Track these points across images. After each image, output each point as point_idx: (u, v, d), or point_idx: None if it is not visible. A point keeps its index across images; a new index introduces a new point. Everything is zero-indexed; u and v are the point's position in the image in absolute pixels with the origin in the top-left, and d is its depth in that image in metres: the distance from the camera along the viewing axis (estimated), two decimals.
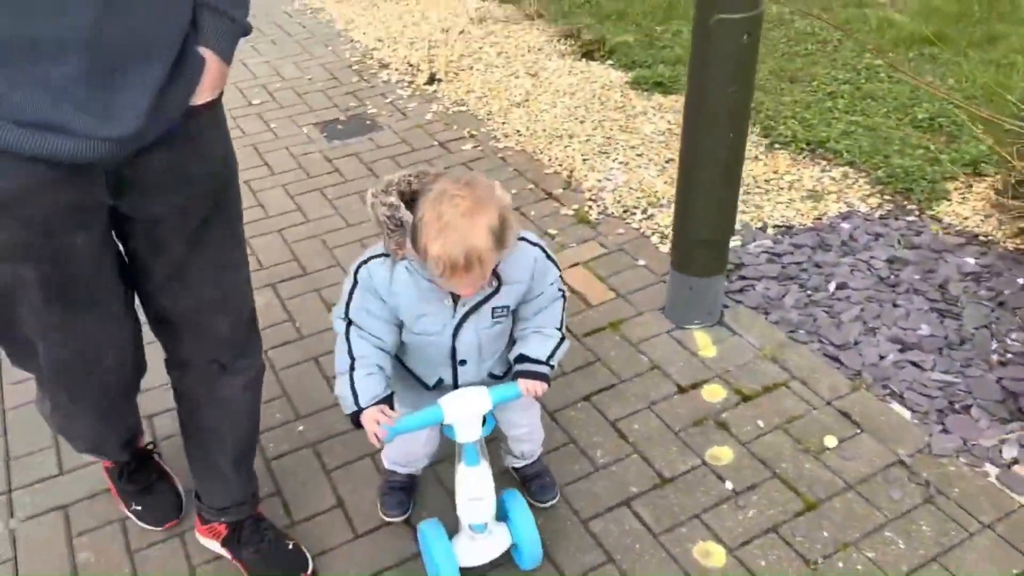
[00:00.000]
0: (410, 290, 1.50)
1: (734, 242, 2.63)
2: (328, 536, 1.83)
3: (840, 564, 1.70)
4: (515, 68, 3.99)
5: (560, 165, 3.20)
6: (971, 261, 2.48)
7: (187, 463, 1.73)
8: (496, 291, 1.53)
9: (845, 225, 2.69)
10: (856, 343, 2.23)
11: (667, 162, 3.15)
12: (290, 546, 1.74)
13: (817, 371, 2.16)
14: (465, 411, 1.53)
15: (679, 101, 3.52)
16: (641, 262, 2.61)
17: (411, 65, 4.12)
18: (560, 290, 1.63)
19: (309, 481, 1.96)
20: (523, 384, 1.57)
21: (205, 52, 1.28)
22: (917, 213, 2.75)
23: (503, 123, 3.53)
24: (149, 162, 1.28)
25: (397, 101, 3.78)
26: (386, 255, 1.51)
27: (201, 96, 1.29)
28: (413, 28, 4.54)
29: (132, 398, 1.67)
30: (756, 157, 3.12)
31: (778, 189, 2.94)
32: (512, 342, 1.65)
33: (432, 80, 3.95)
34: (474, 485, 1.60)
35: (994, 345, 2.18)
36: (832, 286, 2.43)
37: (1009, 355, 2.15)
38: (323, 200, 3.04)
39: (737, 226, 2.67)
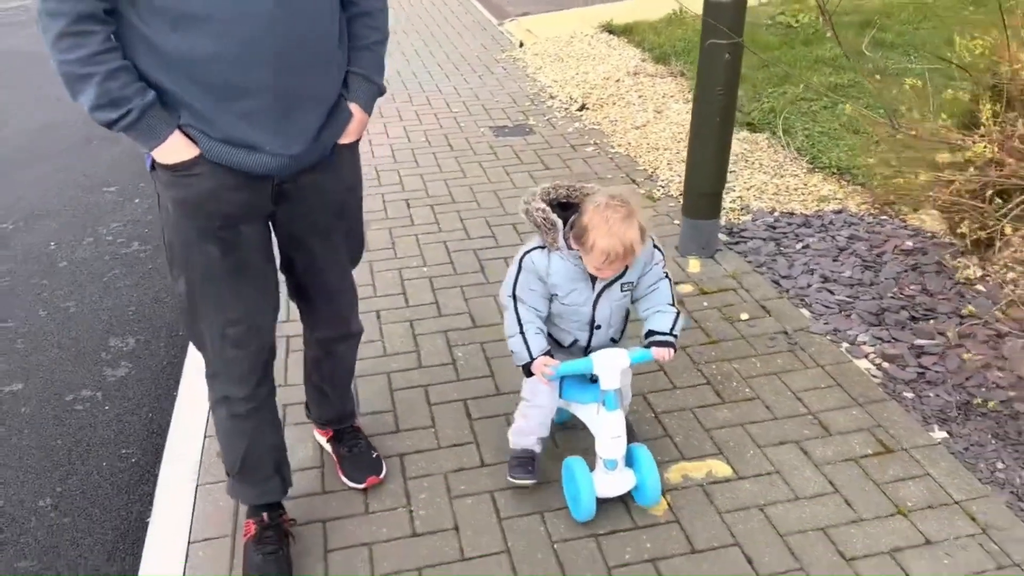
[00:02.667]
0: (562, 272, 2.01)
1: (745, 217, 3.68)
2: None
3: (719, 374, 2.73)
4: (647, 106, 5.23)
5: (649, 165, 4.39)
6: (909, 243, 3.36)
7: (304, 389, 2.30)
8: (624, 272, 2.04)
9: (832, 216, 3.64)
10: (795, 277, 3.21)
11: (731, 172, 4.23)
12: (374, 455, 2.28)
13: (759, 287, 3.17)
14: (610, 364, 1.99)
15: (761, 137, 4.59)
16: (676, 221, 3.73)
17: (571, 99, 5.50)
18: (665, 272, 2.11)
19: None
20: (656, 352, 2.02)
21: (353, 107, 1.80)
22: (892, 215, 3.64)
23: (621, 138, 4.79)
24: (303, 179, 1.77)
25: (552, 119, 5.16)
26: (542, 247, 2.02)
27: (347, 137, 1.81)
28: (583, 76, 5.94)
29: (272, 361, 1.97)
30: (795, 174, 4.13)
31: (801, 196, 3.93)
32: (626, 318, 2.17)
33: (582, 108, 5.30)
34: (614, 425, 2.02)
35: (894, 289, 3.08)
36: (799, 245, 3.42)
37: (901, 295, 3.04)
38: (480, 170, 4.44)
39: (754, 211, 3.73)
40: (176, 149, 1.61)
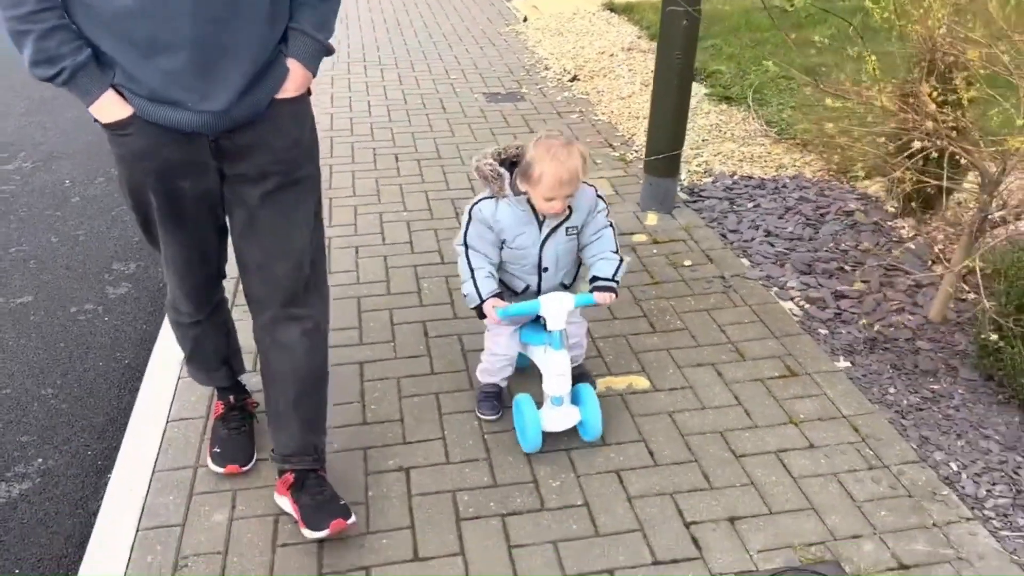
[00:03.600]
0: (510, 218, 2.15)
1: (707, 179, 3.94)
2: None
3: (656, 309, 3.00)
4: (635, 80, 5.47)
5: (627, 132, 4.64)
6: (852, 206, 3.60)
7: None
8: (568, 216, 2.18)
9: (787, 181, 3.89)
10: (742, 231, 3.46)
11: (703, 140, 4.48)
12: (341, 502, 1.94)
13: (707, 239, 3.43)
14: (557, 306, 2.13)
15: (739, 110, 4.83)
16: (642, 180, 3.99)
17: (565, 70, 5.75)
18: (609, 220, 2.24)
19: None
20: (598, 296, 2.16)
21: (291, 63, 1.77)
22: (844, 181, 3.87)
23: (606, 107, 5.04)
24: (241, 135, 1.74)
25: (544, 88, 5.42)
26: (489, 197, 2.16)
27: (284, 93, 1.77)
28: (579, 50, 6.18)
29: (219, 287, 2.12)
30: (761, 143, 4.37)
31: (763, 163, 4.17)
32: (578, 264, 2.30)
33: (573, 79, 5.55)
34: (559, 363, 2.16)
35: (829, 245, 3.32)
36: (751, 205, 3.67)
37: (836, 249, 3.29)
38: (469, 131, 4.71)
39: (716, 174, 3.99)
40: (109, 108, 1.65)
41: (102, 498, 2.25)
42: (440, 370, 2.64)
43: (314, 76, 1.83)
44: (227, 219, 1.93)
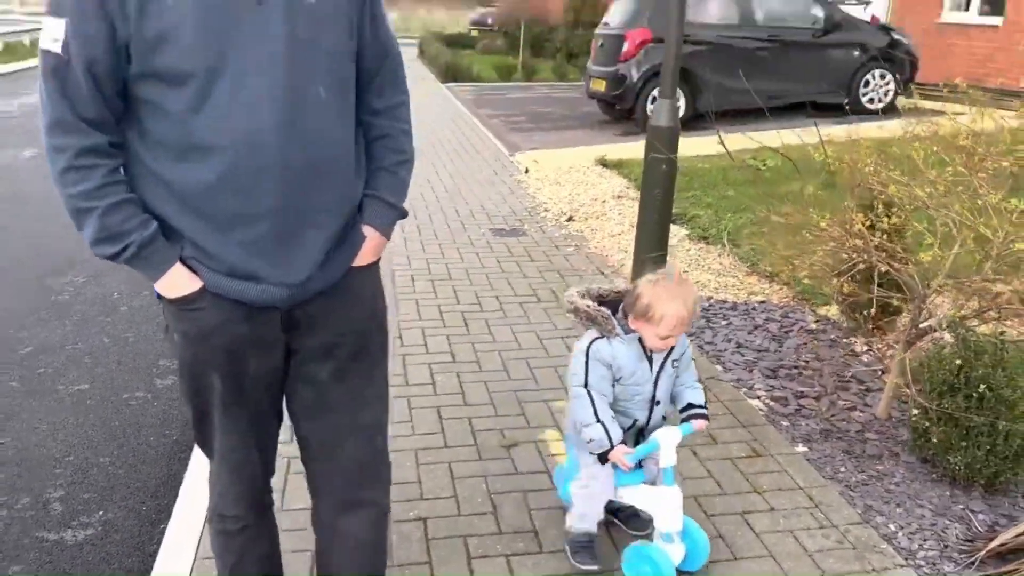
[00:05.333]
0: (625, 356, 2.20)
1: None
2: None
3: None
4: (624, 221, 6.14)
5: (617, 263, 5.24)
6: (813, 325, 4.11)
7: None
8: (672, 349, 2.26)
9: (756, 305, 4.43)
10: (716, 343, 3.96)
11: (683, 272, 5.05)
12: None
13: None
14: (670, 440, 2.20)
15: (713, 249, 5.45)
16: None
17: (562, 212, 6.45)
18: (691, 356, 2.38)
19: None
20: (696, 424, 2.28)
21: (367, 230, 1.71)
22: (805, 307, 4.41)
23: (599, 242, 5.67)
24: (313, 306, 1.64)
25: (543, 226, 6.08)
26: (600, 336, 2.22)
27: (360, 260, 1.70)
28: (575, 196, 6.92)
29: (269, 485, 1.87)
30: (734, 275, 4.95)
31: (736, 291, 4.73)
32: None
33: (569, 219, 6.23)
34: (674, 498, 2.21)
35: (792, 356, 3.81)
36: (724, 323, 4.19)
37: (797, 359, 3.77)
38: (477, 259, 5.31)
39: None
40: (177, 283, 1.57)
41: (158, 542, 2.61)
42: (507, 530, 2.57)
43: (387, 240, 1.81)
44: (285, 399, 1.78)
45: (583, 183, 7.38)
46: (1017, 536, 2.37)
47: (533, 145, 9.41)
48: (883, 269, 2.94)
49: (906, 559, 2.46)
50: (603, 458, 2.25)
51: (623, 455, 2.20)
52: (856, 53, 10.09)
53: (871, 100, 10.19)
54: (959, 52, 11.73)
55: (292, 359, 1.71)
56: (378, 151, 1.75)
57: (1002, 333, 2.79)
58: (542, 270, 5.10)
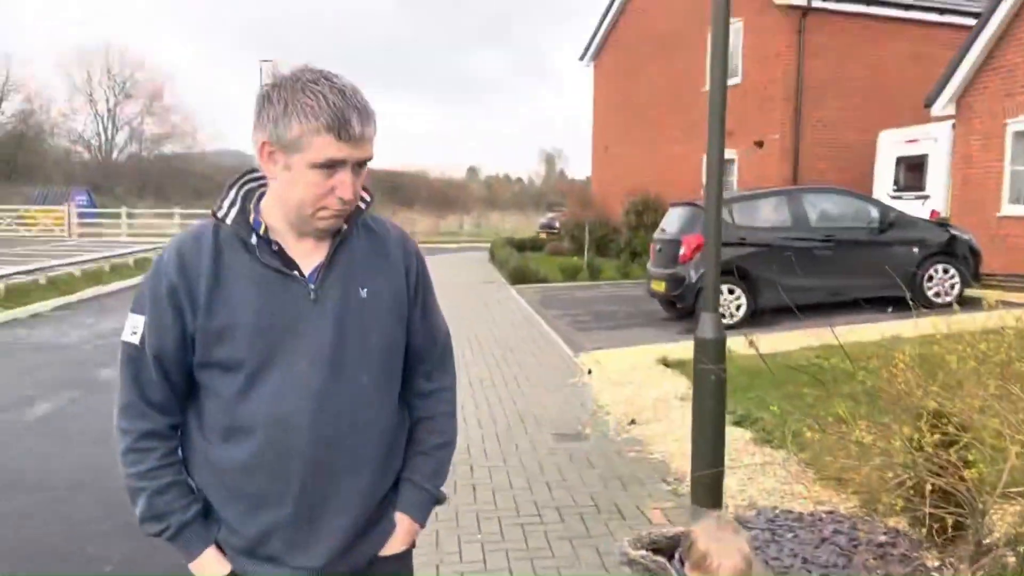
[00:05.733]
0: None
1: (751, 512, 4.40)
2: None
3: None
4: (687, 424, 6.14)
5: (679, 470, 5.21)
6: (883, 538, 3.97)
7: None
8: None
9: (823, 515, 4.31)
10: (782, 558, 3.85)
11: (748, 479, 5.00)
12: None
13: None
14: None
15: (778, 454, 5.40)
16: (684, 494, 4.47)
17: (624, 415, 6.53)
18: None
19: None
20: None
21: (400, 516, 1.70)
22: (874, 517, 4.27)
23: (661, 447, 5.68)
24: None
25: (605, 429, 6.15)
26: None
27: (388, 549, 1.70)
28: (638, 398, 7.01)
29: None
30: (801, 483, 4.85)
31: (802, 499, 4.63)
32: None
33: (632, 422, 6.30)
34: None
35: (861, 572, 3.67)
36: (790, 535, 4.08)
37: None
38: (538, 466, 5.38)
39: (760, 508, 4.47)
40: (207, 566, 1.63)
41: None
42: None
43: (422, 527, 1.78)
44: None
45: (646, 383, 7.48)
46: None
47: (597, 344, 9.65)
48: (934, 484, 2.91)
49: None
50: None
51: None
52: (915, 250, 10.26)
53: (937, 294, 10.21)
54: (1021, 244, 11.77)
55: None
56: (420, 434, 1.78)
57: None
58: (604, 478, 5.12)
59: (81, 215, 33.54)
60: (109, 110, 51.46)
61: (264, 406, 1.58)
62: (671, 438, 5.86)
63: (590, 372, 8.20)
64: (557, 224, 28.37)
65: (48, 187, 38.61)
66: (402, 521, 1.73)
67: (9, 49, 51.25)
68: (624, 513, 4.51)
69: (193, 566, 1.65)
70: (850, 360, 3.64)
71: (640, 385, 7.46)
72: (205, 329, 1.59)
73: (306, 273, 1.64)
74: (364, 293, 1.66)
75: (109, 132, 52.06)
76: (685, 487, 4.90)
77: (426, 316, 1.80)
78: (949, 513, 3.11)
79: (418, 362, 1.79)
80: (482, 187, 73.89)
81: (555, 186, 58.19)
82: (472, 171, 79.74)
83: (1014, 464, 2.86)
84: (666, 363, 8.15)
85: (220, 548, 1.65)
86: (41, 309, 12.96)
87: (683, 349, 8.56)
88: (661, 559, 2.20)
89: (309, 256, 1.65)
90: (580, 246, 20.98)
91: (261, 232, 1.63)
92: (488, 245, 27.28)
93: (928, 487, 2.97)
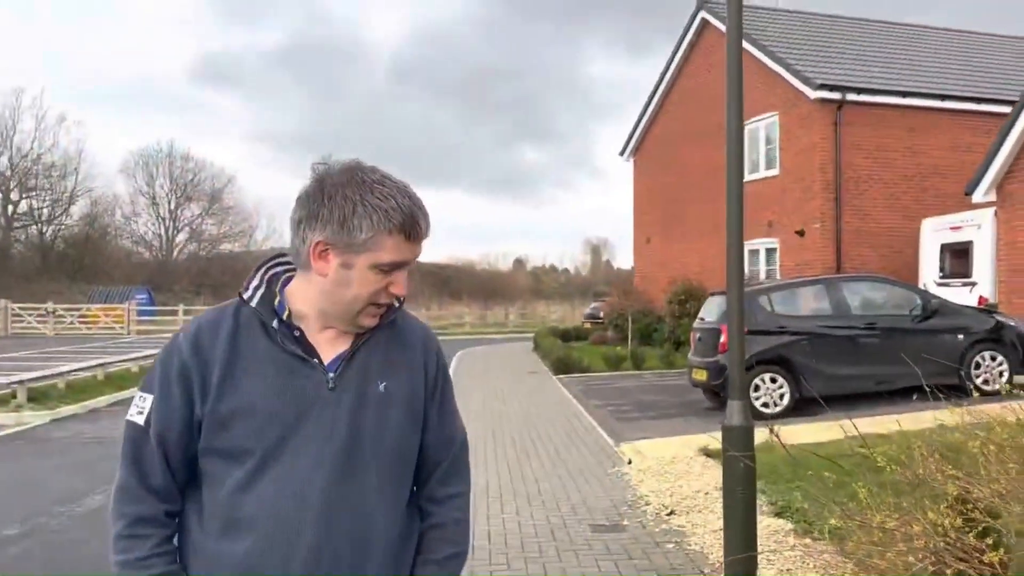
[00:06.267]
0: None
1: None
2: None
3: None
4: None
5: (717, 561, 5.16)
6: None
7: None
8: None
9: None
10: None
11: (787, 571, 4.92)
12: None
13: None
14: None
15: (817, 546, 5.30)
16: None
17: (664, 505, 6.48)
18: None
19: None
20: None
21: None
22: None
23: (700, 539, 5.62)
24: None
25: (643, 521, 6.12)
26: None
27: None
28: (678, 488, 6.96)
29: None
30: (836, 573, 4.75)
31: None
32: None
33: (671, 513, 6.25)
34: None
35: None
36: None
37: None
38: (576, 559, 5.37)
39: None
40: None
41: None
42: None
43: None
44: None
45: (686, 474, 7.43)
46: None
47: (638, 434, 9.61)
48: (955, 570, 2.90)
49: None
50: None
51: None
52: (960, 337, 10.12)
53: (985, 381, 9.99)
54: None
55: None
56: (431, 542, 1.68)
57: None
58: (640, 569, 5.09)
59: (140, 312, 34.86)
60: (171, 211, 54.03)
61: (268, 500, 1.52)
62: (709, 528, 5.80)
63: (630, 462, 8.17)
64: (602, 314, 28.49)
65: (110, 287, 40.26)
66: None
67: (83, 152, 53.66)
68: None
69: None
70: (866, 446, 3.67)
71: (680, 475, 7.41)
72: (214, 412, 1.53)
73: (326, 362, 1.59)
74: (382, 387, 1.62)
75: (170, 232, 54.48)
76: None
77: (443, 416, 1.73)
78: None
79: (432, 465, 1.71)
80: (528, 277, 74.73)
81: (601, 275, 58.55)
82: (519, 262, 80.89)
83: None
84: (707, 453, 8.08)
85: None
86: (98, 404, 13.46)
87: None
88: None
89: (330, 345, 1.61)
90: (624, 335, 21.02)
91: (284, 316, 1.59)
92: (533, 334, 27.45)
93: (949, 573, 2.95)
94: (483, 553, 5.43)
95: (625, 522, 6.12)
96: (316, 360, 1.59)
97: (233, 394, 1.53)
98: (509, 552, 5.45)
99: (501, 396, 13.50)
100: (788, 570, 4.91)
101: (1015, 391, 8.45)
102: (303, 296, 1.61)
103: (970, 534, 3.06)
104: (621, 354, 18.01)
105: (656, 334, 21.13)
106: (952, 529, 3.11)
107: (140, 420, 1.57)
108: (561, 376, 16.51)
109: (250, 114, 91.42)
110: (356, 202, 1.52)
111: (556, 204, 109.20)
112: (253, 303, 1.61)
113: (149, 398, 1.57)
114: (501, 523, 6.15)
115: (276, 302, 1.61)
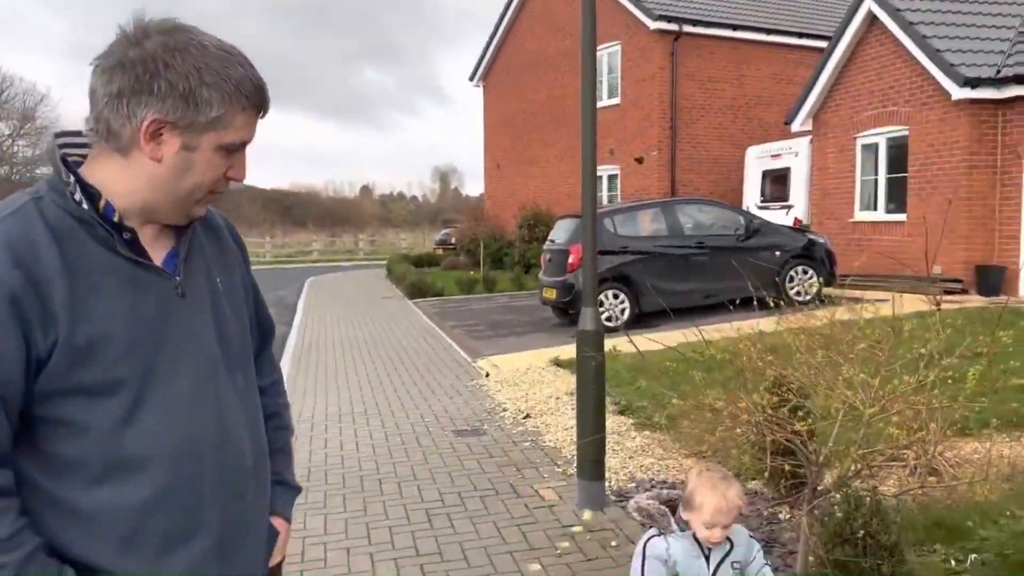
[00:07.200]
0: (680, 552, 2.36)
1: (631, 484, 4.93)
2: None
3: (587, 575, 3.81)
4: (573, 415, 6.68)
5: (569, 454, 5.71)
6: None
7: None
8: (730, 550, 2.38)
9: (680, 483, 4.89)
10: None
11: (629, 457, 5.54)
12: None
13: (630, 527, 4.33)
14: None
15: (655, 436, 5.98)
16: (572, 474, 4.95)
17: (520, 411, 6.99)
18: (766, 561, 2.45)
19: None
20: None
21: (279, 522, 1.60)
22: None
23: (553, 436, 6.17)
24: None
25: (502, 425, 6.59)
26: (657, 534, 2.39)
27: (276, 558, 1.59)
28: (532, 396, 7.49)
29: None
30: (675, 459, 5.43)
31: (676, 472, 5.20)
32: None
33: (526, 416, 6.77)
34: None
35: None
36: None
37: None
38: (440, 459, 5.75)
39: (638, 480, 5.00)
40: None
41: None
42: None
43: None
44: None
45: (539, 383, 7.99)
46: None
47: (494, 351, 10.11)
48: (772, 439, 3.49)
49: None
50: None
51: None
52: (777, 254, 11.25)
53: (798, 293, 11.22)
54: (872, 246, 13.05)
55: None
56: (274, 431, 1.64)
57: (875, 488, 3.31)
58: (500, 465, 5.55)
59: None
60: None
61: (161, 430, 1.33)
62: (561, 428, 6.36)
63: (487, 375, 8.64)
64: (453, 240, 28.82)
65: None
66: (282, 525, 1.63)
67: None
68: (519, 493, 4.96)
69: None
70: (708, 345, 4.22)
71: (533, 384, 7.96)
72: (68, 346, 1.26)
73: (158, 264, 1.40)
74: (219, 283, 1.49)
75: None
76: (573, 468, 5.39)
77: (260, 307, 1.68)
78: (789, 464, 3.70)
79: (256, 356, 1.64)
80: (376, 205, 73.64)
81: (450, 202, 58.70)
82: (366, 189, 79.37)
83: (838, 419, 3.46)
84: (558, 364, 8.68)
85: None
86: None
87: (573, 351, 9.13)
88: (663, 507, 2.45)
89: (156, 244, 1.41)
90: (476, 260, 21.49)
91: (115, 219, 1.33)
92: (385, 262, 27.41)
93: (769, 441, 3.54)
94: (352, 461, 5.70)
95: (485, 427, 6.57)
96: (155, 265, 1.39)
97: (86, 320, 1.28)
98: (378, 459, 5.75)
99: (358, 321, 13.60)
100: (630, 457, 5.53)
101: (822, 299, 9.57)
102: (123, 187, 1.34)
103: (784, 409, 3.66)
104: (474, 278, 18.48)
105: (507, 258, 21.76)
106: (770, 406, 3.71)
107: None
108: (416, 300, 16.77)
109: (64, 27, 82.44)
110: (201, 70, 1.30)
111: (404, 130, 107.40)
112: (82, 203, 1.32)
113: None
114: (368, 434, 6.43)
115: (102, 203, 1.32)
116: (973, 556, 3.60)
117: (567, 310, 11.33)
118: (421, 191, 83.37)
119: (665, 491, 2.52)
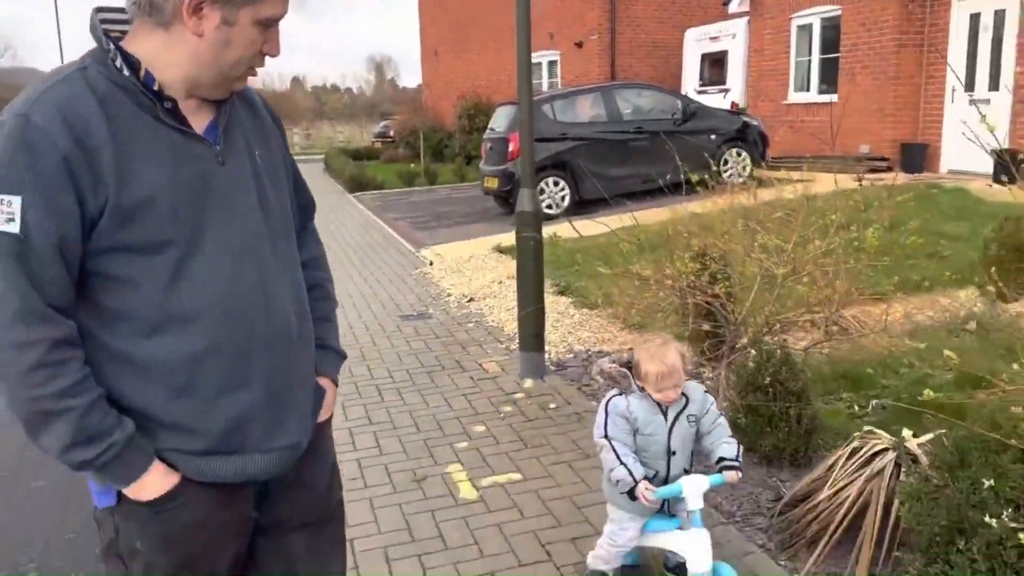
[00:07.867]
0: (640, 409, 2.49)
1: (569, 355, 5.25)
2: None
3: (528, 434, 4.13)
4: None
5: (511, 331, 6.00)
6: None
7: None
8: (686, 405, 2.53)
9: (625, 352, 5.23)
10: (592, 385, 4.71)
11: (569, 332, 5.85)
12: None
13: (568, 392, 4.66)
14: (697, 486, 2.41)
15: (593, 313, 6.29)
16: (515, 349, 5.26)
17: (463, 295, 7.22)
18: (720, 412, 2.60)
19: None
20: (728, 475, 2.45)
21: (326, 382, 1.70)
22: None
23: (496, 316, 6.44)
24: (292, 472, 1.57)
25: (447, 309, 6.83)
26: (618, 394, 2.53)
27: (325, 415, 1.69)
28: (475, 281, 7.72)
29: None
30: (609, 331, 5.76)
31: (611, 343, 5.53)
32: (692, 453, 2.59)
33: (470, 300, 7.01)
34: (703, 540, 2.40)
35: None
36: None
37: None
38: (388, 342, 5.98)
39: (576, 351, 5.31)
40: (155, 483, 1.42)
41: None
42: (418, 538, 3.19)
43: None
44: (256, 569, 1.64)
45: (482, 269, 8.21)
46: (797, 490, 3.14)
47: (437, 241, 10.26)
48: (694, 302, 3.78)
49: (727, 518, 3.19)
50: (632, 495, 2.45)
51: (646, 490, 2.42)
52: (713, 137, 11.47)
53: (732, 175, 11.53)
54: (805, 126, 13.36)
55: (260, 539, 1.61)
56: (318, 301, 1.74)
57: (784, 342, 3.64)
58: (446, 344, 5.81)
59: None
60: None
61: (208, 288, 1.42)
62: (504, 308, 6.63)
63: (431, 264, 8.82)
64: (392, 132, 28.31)
65: None
66: (329, 385, 1.74)
67: None
68: (464, 367, 5.24)
69: (134, 489, 1.41)
70: (642, 229, 4.44)
71: (476, 270, 8.18)
72: (118, 206, 1.34)
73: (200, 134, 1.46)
74: (258, 156, 1.56)
75: None
76: (515, 344, 5.68)
77: (298, 180, 1.77)
78: (709, 325, 4.02)
79: (299, 232, 1.73)
80: (309, 98, 71.21)
81: (387, 94, 57.07)
82: (297, 81, 76.44)
83: (756, 284, 3.76)
84: (500, 250, 8.89)
85: (164, 460, 1.44)
86: None
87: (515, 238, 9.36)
88: (624, 369, 2.60)
89: (197, 116, 1.47)
90: (416, 152, 21.26)
91: (155, 88, 1.40)
92: (322, 156, 26.88)
93: (691, 304, 3.84)
94: None
95: (431, 311, 6.80)
96: (196, 133, 1.46)
97: (134, 183, 1.36)
98: None
99: None
100: (569, 332, 5.84)
101: (751, 179, 9.87)
102: (164, 61, 1.41)
103: (705, 274, 3.94)
104: (415, 170, 18.36)
105: (447, 150, 21.57)
106: (693, 273, 3.99)
107: (13, 228, 1.29)
108: (357, 194, 16.67)
109: None
110: None
111: (335, 20, 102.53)
112: (125, 72, 1.38)
113: (15, 200, 1.29)
114: None
115: (142, 72, 1.39)
116: (875, 402, 4.01)
117: (508, 199, 11.46)
118: (356, 83, 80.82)
119: (626, 355, 2.70)
